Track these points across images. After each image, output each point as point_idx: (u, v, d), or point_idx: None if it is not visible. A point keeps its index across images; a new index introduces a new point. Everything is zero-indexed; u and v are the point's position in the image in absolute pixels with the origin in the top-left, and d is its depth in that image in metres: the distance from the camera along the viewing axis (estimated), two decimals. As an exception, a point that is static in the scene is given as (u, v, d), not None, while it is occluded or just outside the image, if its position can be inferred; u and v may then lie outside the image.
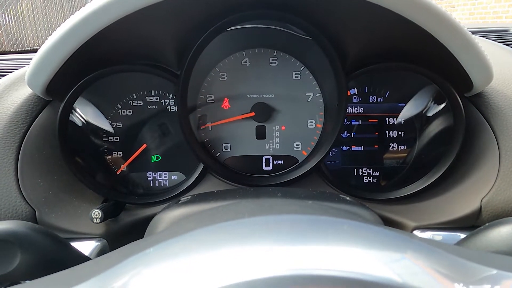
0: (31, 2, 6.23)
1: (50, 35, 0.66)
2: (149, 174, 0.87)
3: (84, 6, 0.63)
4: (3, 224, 0.52)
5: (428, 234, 0.73)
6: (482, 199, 0.70)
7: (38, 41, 6.17)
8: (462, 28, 0.64)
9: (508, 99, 0.75)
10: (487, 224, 0.59)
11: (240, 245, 0.30)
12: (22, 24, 5.98)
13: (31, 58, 0.70)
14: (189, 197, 0.67)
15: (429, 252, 0.32)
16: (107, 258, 0.37)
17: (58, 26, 0.65)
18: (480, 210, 0.70)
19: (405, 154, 0.87)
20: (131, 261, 0.32)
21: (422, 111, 0.85)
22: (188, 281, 0.27)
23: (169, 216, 0.59)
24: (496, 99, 0.76)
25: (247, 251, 0.29)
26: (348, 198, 0.64)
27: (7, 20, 5.70)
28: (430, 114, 0.85)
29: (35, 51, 0.70)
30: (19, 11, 5.99)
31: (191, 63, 0.77)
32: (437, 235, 0.73)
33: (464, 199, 0.74)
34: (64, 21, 0.65)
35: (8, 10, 5.71)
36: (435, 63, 0.75)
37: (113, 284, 0.29)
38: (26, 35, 6.05)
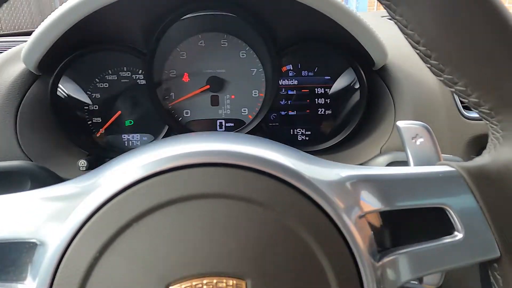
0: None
1: (42, 17, 0.83)
2: (124, 136, 1.06)
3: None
4: (16, 162, 0.71)
5: None
6: (382, 146, 0.93)
7: (32, 24, 6.08)
8: (354, 13, 0.85)
9: (402, 71, 0.97)
10: (373, 156, 0.83)
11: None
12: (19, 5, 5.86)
13: (19, 41, 0.87)
14: None
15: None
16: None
17: (50, 8, 0.83)
18: (380, 154, 0.93)
19: (329, 117, 1.10)
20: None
21: (343, 82, 1.08)
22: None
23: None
24: (394, 71, 0.97)
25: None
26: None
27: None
28: (346, 84, 1.07)
29: (28, 33, 0.87)
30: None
31: (155, 43, 0.96)
32: None
33: (370, 148, 0.96)
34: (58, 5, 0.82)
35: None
36: (348, 44, 0.96)
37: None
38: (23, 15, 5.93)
